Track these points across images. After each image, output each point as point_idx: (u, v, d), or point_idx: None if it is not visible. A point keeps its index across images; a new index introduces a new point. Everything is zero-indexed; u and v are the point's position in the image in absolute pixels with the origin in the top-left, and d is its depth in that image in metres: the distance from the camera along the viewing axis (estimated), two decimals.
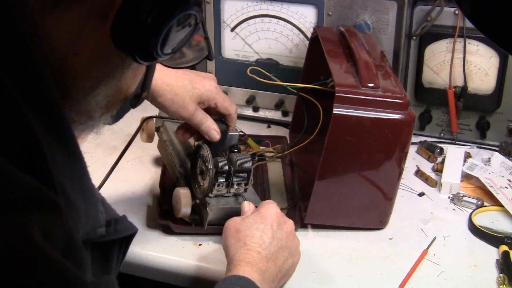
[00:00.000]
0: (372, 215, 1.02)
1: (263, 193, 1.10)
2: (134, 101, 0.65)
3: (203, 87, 0.97)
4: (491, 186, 1.10)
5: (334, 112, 0.92)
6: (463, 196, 1.09)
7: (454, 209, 1.08)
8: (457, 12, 1.17)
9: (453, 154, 1.20)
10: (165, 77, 0.93)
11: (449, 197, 1.11)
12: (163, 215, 1.00)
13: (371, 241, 1.00)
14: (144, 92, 0.65)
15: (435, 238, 1.01)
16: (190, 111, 0.95)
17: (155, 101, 0.95)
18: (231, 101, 1.01)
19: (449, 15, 1.18)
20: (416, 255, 0.97)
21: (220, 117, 1.01)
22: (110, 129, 1.31)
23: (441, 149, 1.23)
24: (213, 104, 0.98)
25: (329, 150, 0.94)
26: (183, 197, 0.97)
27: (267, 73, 1.07)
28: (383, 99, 0.94)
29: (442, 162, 1.19)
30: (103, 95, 0.57)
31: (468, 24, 1.16)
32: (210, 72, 1.35)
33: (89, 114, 0.58)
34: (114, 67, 0.56)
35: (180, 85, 0.94)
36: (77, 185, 0.56)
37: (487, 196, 1.10)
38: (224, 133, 1.00)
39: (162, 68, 0.94)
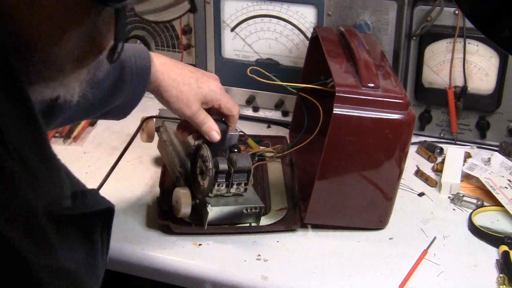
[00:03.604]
0: (372, 215, 1.02)
1: (263, 193, 1.10)
2: (110, 55, 0.60)
3: (208, 87, 0.97)
4: (491, 186, 1.10)
5: (334, 112, 0.92)
6: (463, 196, 1.09)
7: (454, 209, 1.08)
8: (457, 12, 1.17)
9: (453, 154, 1.20)
10: (171, 73, 0.94)
11: (449, 197, 1.11)
12: (163, 215, 1.00)
13: (371, 241, 1.00)
14: (118, 43, 0.59)
15: (435, 238, 1.01)
16: (193, 110, 0.95)
17: (160, 96, 0.95)
18: (235, 102, 1.01)
19: (449, 15, 1.18)
20: (416, 255, 0.97)
21: (221, 117, 1.01)
22: (110, 129, 1.31)
23: (441, 149, 1.23)
24: (216, 105, 0.99)
25: (329, 150, 0.94)
26: (183, 197, 0.97)
27: (267, 73, 1.07)
28: (383, 99, 0.94)
29: (442, 162, 1.19)
30: (72, 46, 0.54)
31: (468, 24, 1.16)
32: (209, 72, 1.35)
33: (59, 67, 0.55)
34: (78, 12, 0.53)
35: (186, 82, 0.95)
36: (36, 150, 0.53)
37: (487, 196, 1.10)
38: (224, 133, 1.00)
39: (168, 63, 0.94)
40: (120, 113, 0.94)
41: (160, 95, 0.94)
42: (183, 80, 0.94)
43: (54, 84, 0.57)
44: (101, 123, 1.33)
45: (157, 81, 0.92)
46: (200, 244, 0.98)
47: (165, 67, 0.93)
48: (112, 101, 0.90)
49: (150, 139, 1.12)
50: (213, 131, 0.97)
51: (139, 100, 0.92)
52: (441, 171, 1.16)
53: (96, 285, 0.65)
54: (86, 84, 0.61)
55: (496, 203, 1.08)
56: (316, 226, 1.03)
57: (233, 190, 0.99)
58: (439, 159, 1.22)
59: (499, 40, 0.70)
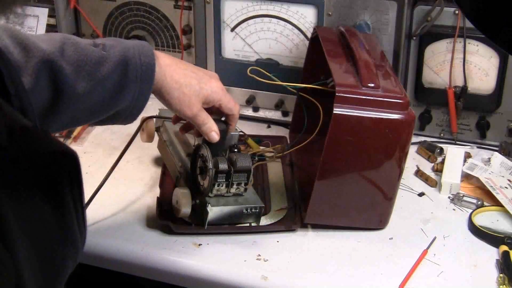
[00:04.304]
0: (372, 215, 1.02)
1: (263, 193, 1.10)
2: None
3: (211, 88, 0.96)
4: (491, 186, 1.10)
5: (334, 112, 0.92)
6: (463, 196, 1.10)
7: (454, 209, 1.08)
8: (457, 12, 1.17)
9: (453, 154, 1.20)
10: (174, 74, 0.93)
11: (449, 197, 1.11)
12: (163, 215, 1.00)
13: (371, 241, 1.00)
14: None
15: (435, 238, 1.01)
16: (194, 111, 0.95)
17: (161, 97, 0.94)
18: (235, 102, 1.01)
19: (449, 15, 1.18)
20: (416, 255, 0.97)
21: (220, 116, 1.01)
22: (110, 129, 1.31)
23: (441, 149, 1.23)
24: (217, 105, 0.98)
25: (329, 150, 0.94)
26: (183, 197, 0.97)
27: (267, 73, 1.07)
28: (383, 99, 0.94)
29: (442, 162, 1.19)
30: None
31: (468, 24, 1.16)
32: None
33: None
34: None
35: (188, 84, 0.94)
36: None
37: (487, 196, 1.10)
38: (224, 133, 1.00)
39: (171, 64, 0.94)
40: (128, 116, 0.93)
41: (161, 96, 0.94)
42: (185, 82, 0.94)
43: None
44: None
45: (160, 82, 0.92)
46: (200, 244, 0.98)
47: (169, 68, 0.93)
48: (118, 101, 0.89)
49: (150, 139, 1.12)
50: (213, 132, 0.97)
51: (146, 100, 0.91)
52: (441, 171, 1.16)
53: (73, 255, 0.60)
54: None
55: (496, 203, 1.08)
56: (316, 226, 1.03)
57: (233, 190, 0.99)
58: (439, 159, 1.22)
59: (499, 40, 0.70)
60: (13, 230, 0.51)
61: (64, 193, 0.59)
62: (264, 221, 1.03)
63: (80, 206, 0.62)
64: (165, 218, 1.00)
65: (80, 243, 0.63)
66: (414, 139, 1.26)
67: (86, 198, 1.00)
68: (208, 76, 0.98)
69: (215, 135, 0.97)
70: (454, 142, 1.27)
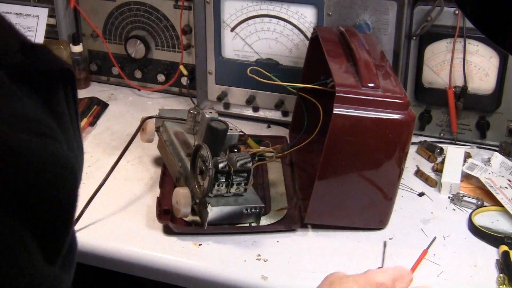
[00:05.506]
0: (372, 215, 1.02)
1: (263, 193, 1.10)
2: None
3: None
4: (491, 186, 1.10)
5: (334, 112, 0.92)
6: (463, 196, 1.10)
7: (454, 209, 1.08)
8: (457, 12, 1.17)
9: (453, 154, 1.20)
10: None
11: (449, 197, 1.11)
12: (163, 215, 1.00)
13: (371, 241, 1.00)
14: None
15: (435, 238, 1.01)
16: None
17: None
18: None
19: (449, 15, 1.18)
20: (416, 255, 0.97)
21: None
22: (110, 129, 1.31)
23: (441, 149, 1.23)
24: None
25: (329, 150, 0.94)
26: (183, 197, 0.97)
27: (267, 73, 1.07)
28: (383, 99, 0.94)
29: (442, 162, 1.19)
30: None
31: (468, 24, 1.16)
32: (210, 73, 1.35)
33: None
34: None
35: None
36: None
37: (487, 196, 1.10)
38: (224, 133, 1.00)
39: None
40: None
41: None
42: None
43: None
44: (101, 123, 1.33)
45: None
46: (200, 244, 0.98)
47: None
48: None
49: (150, 139, 1.12)
50: None
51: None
52: (441, 171, 1.16)
53: (78, 170, 0.57)
54: None
55: (496, 203, 1.08)
56: (316, 226, 1.03)
57: (233, 190, 0.99)
58: (439, 159, 1.22)
59: (500, 41, 0.70)
60: None
61: (60, 109, 0.57)
62: (264, 221, 1.03)
63: (76, 122, 0.60)
64: (165, 218, 1.00)
65: (78, 165, 0.59)
66: (414, 139, 1.26)
67: (86, 198, 1.01)
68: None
69: None
70: (454, 142, 1.27)
